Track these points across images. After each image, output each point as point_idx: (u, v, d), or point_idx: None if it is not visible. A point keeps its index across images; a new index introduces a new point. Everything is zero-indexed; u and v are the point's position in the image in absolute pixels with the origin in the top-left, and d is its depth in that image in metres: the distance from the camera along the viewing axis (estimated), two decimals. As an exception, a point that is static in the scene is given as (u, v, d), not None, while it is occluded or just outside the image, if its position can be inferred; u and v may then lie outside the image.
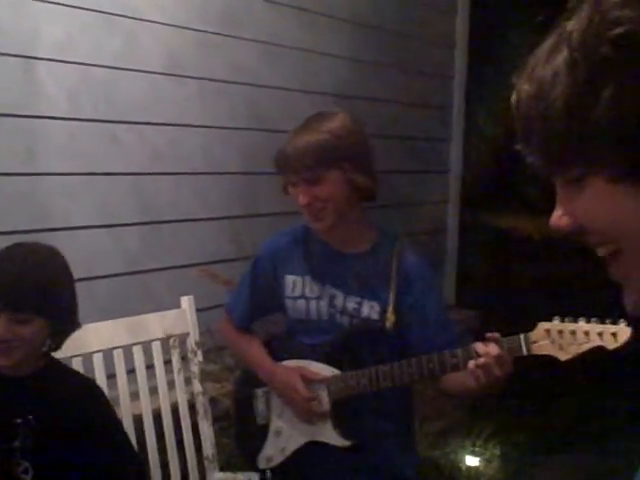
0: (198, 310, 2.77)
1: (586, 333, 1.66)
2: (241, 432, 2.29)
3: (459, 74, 5.34)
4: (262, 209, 3.73)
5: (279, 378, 2.09)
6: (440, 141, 5.32)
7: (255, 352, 2.19)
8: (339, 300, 2.02)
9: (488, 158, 6.80)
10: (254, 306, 2.21)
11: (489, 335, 1.75)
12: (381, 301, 1.99)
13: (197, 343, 2.69)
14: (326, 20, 4.10)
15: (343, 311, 2.02)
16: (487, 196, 6.78)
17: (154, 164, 3.21)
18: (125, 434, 2.04)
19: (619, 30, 0.65)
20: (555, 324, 1.70)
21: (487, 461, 3.95)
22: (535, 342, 1.72)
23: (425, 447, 3.60)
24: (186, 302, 2.71)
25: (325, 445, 2.02)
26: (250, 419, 2.20)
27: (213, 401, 2.78)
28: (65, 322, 1.88)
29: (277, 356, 2.14)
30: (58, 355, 2.04)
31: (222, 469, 2.68)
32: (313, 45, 4.02)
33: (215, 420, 2.74)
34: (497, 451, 4.01)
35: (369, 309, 2.00)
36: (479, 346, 1.75)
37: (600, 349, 1.65)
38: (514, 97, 0.73)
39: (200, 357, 2.71)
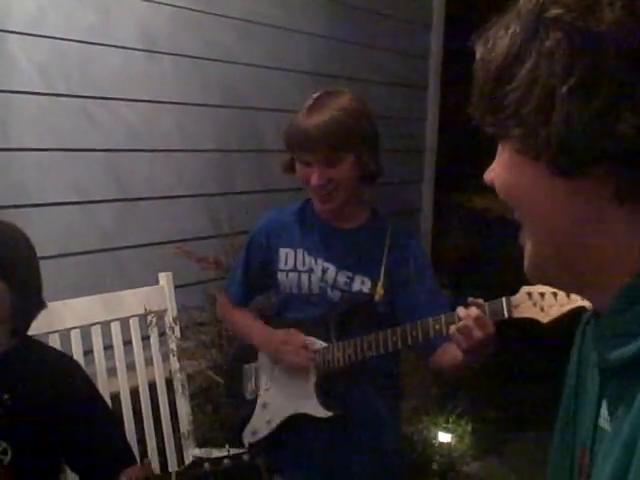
0: (175, 287, 2.77)
1: (567, 294, 1.64)
2: (229, 408, 2.32)
3: (435, 53, 5.35)
4: (238, 186, 3.72)
5: (277, 336, 2.08)
6: (415, 120, 5.33)
7: (249, 321, 2.20)
8: (330, 274, 2.02)
9: (463, 138, 6.82)
10: (249, 283, 2.21)
11: (471, 300, 1.76)
12: (372, 276, 2.00)
13: (175, 319, 2.69)
14: (302, -3, 4.08)
15: (334, 285, 2.02)
16: (461, 176, 6.81)
17: (128, 141, 3.19)
18: (107, 407, 2.04)
19: (553, 11, 0.67)
20: (537, 287, 1.69)
21: (459, 437, 4.00)
22: (517, 306, 1.72)
23: (399, 424, 3.64)
24: (164, 278, 2.70)
25: (309, 417, 2.03)
26: (238, 395, 2.21)
27: (189, 378, 2.79)
28: (29, 297, 1.85)
29: None
30: (35, 331, 2.03)
31: (199, 445, 2.69)
32: (289, 22, 4.00)
33: (191, 397, 2.75)
34: (469, 427, 4.06)
35: (360, 284, 2.01)
36: (460, 310, 1.77)
37: (582, 310, 1.65)
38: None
39: (178, 333, 2.71)
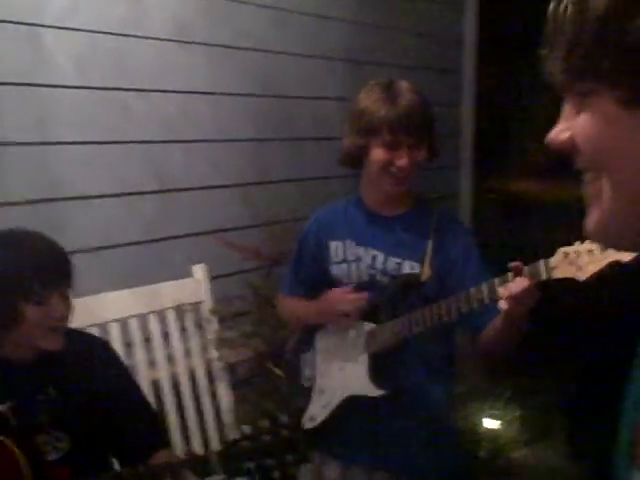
0: (215, 278, 2.76)
1: (601, 250, 1.67)
2: (289, 396, 2.35)
3: (469, 37, 5.27)
4: (274, 175, 3.71)
5: (322, 298, 2.13)
6: (451, 105, 5.26)
7: (303, 302, 2.26)
8: (380, 261, 2.06)
9: (499, 123, 6.73)
10: (301, 279, 2.28)
11: (514, 264, 1.77)
12: (421, 260, 2.02)
13: (211, 310, 2.69)
14: (333, -17, 4.05)
15: (384, 272, 2.06)
16: (498, 160, 6.73)
17: (165, 132, 3.18)
18: (139, 390, 2.05)
19: None
20: (573, 247, 1.73)
21: (507, 423, 3.94)
22: (555, 267, 1.74)
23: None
24: (199, 270, 2.70)
25: (363, 398, 2.05)
26: (297, 383, 2.27)
27: (231, 368, 2.78)
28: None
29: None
30: (76, 325, 2.05)
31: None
32: (321, 9, 3.97)
33: (233, 387, 2.75)
34: (517, 413, 4.01)
35: (410, 269, 2.03)
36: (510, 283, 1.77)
37: (617, 264, 1.65)
38: (552, 6, 0.71)
39: (215, 324, 2.70)
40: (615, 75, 0.66)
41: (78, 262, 1.93)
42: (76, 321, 2.08)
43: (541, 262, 1.76)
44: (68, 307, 1.82)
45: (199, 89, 3.33)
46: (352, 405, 2.08)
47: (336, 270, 2.13)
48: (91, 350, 1.94)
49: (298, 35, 3.84)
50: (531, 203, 6.68)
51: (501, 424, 3.90)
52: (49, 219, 2.65)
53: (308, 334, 2.26)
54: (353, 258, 2.10)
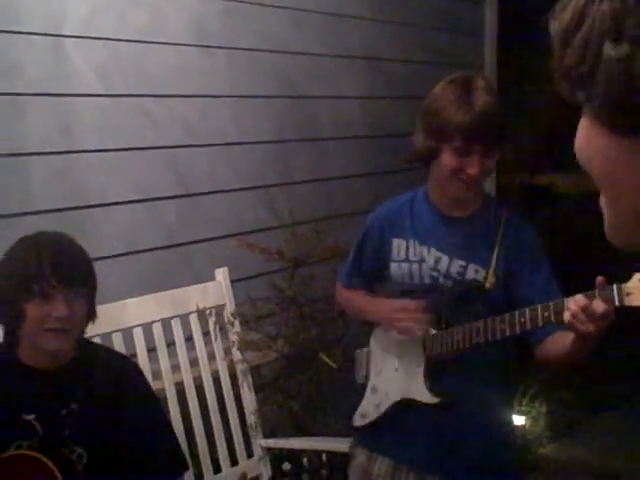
0: (238, 280, 2.78)
1: None
2: (341, 393, 2.35)
3: (490, 32, 5.24)
4: (296, 176, 3.72)
5: (390, 303, 2.09)
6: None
7: (361, 296, 2.23)
8: (443, 264, 2.01)
9: (522, 117, 6.68)
10: (359, 271, 2.24)
11: (599, 280, 1.68)
12: (486, 265, 1.97)
13: (233, 314, 2.71)
14: (352, -18, 4.05)
15: (447, 275, 2.01)
16: (522, 155, 6.68)
17: (187, 136, 3.21)
18: (162, 412, 2.06)
19: None
20: None
21: (533, 419, 3.93)
22: (630, 294, 1.64)
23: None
24: (220, 274, 2.72)
25: (417, 402, 2.02)
26: (350, 380, 2.26)
27: (256, 370, 2.80)
28: (94, 305, 1.91)
29: None
30: (98, 331, 2.06)
31: (266, 436, 2.70)
32: (339, 9, 3.97)
33: (258, 389, 2.77)
34: (543, 409, 3.99)
35: (474, 273, 1.98)
36: (571, 300, 1.72)
37: None
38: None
39: (237, 327, 2.72)
40: (573, 89, 0.67)
41: (102, 268, 1.95)
42: (101, 327, 2.11)
43: (614, 287, 1.65)
44: (73, 310, 1.79)
45: (220, 92, 3.36)
46: (406, 407, 2.05)
47: (396, 269, 2.08)
48: (119, 371, 1.94)
49: (317, 35, 3.84)
50: (556, 196, 6.63)
51: (527, 420, 3.89)
52: (73, 226, 2.68)
53: (364, 331, 2.23)
54: (416, 258, 2.05)
